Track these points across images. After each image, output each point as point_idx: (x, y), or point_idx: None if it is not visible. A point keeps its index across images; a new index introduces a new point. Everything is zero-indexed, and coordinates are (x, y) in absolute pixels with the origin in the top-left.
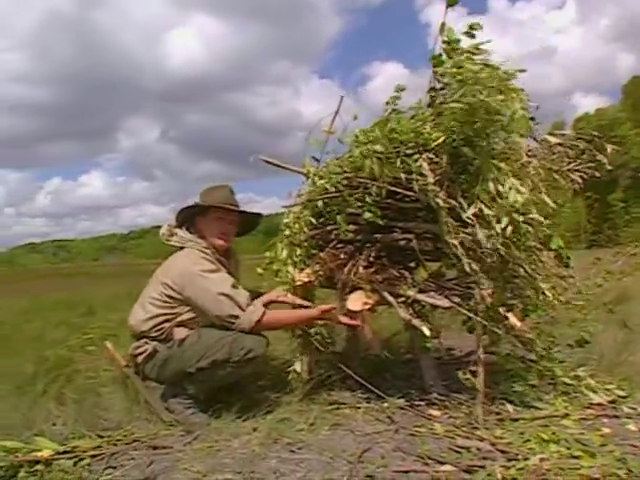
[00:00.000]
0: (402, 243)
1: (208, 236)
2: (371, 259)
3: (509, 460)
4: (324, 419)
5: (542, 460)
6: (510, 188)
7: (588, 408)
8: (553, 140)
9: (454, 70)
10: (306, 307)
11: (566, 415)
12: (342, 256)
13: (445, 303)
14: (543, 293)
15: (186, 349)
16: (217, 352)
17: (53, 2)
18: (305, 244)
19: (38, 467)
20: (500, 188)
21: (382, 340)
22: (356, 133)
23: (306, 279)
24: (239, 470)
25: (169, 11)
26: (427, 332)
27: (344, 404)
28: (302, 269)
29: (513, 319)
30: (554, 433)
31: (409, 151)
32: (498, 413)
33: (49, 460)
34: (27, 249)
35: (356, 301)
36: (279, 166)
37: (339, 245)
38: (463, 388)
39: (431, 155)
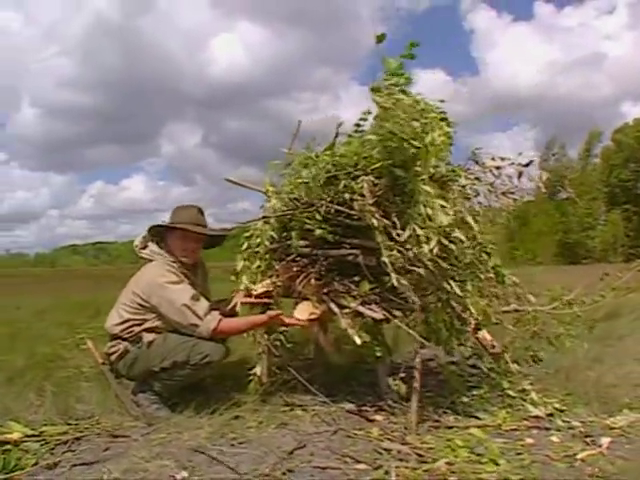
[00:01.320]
0: (350, 258)
1: (175, 252)
2: (322, 272)
3: (420, 462)
4: (274, 418)
5: (448, 464)
6: (440, 207)
7: (525, 420)
8: (492, 164)
9: (380, 100)
10: (263, 312)
11: (499, 425)
12: (295, 269)
13: (378, 315)
14: (468, 309)
15: (152, 350)
16: (178, 354)
17: (100, 9)
18: (266, 257)
19: (7, 447)
20: (429, 211)
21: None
22: (299, 157)
23: (264, 289)
24: (178, 459)
25: (214, 18)
26: (358, 341)
27: (298, 406)
28: (262, 280)
29: (483, 332)
30: (478, 441)
31: (357, 172)
32: (437, 421)
33: (17, 442)
34: (69, 250)
35: (303, 311)
36: (242, 185)
37: (297, 258)
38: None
39: (372, 177)
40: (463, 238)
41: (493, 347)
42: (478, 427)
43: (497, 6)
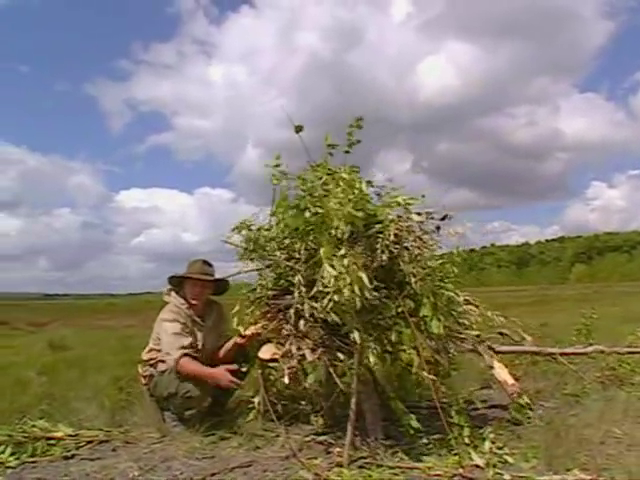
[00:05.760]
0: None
1: (187, 296)
2: (288, 318)
3: None
4: (252, 442)
5: None
6: (328, 266)
7: (462, 467)
8: (416, 218)
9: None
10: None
11: (426, 469)
12: (269, 315)
13: (310, 357)
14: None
15: (162, 379)
16: (172, 387)
17: (313, 49)
18: (259, 302)
19: (52, 441)
20: (324, 271)
21: None
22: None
23: (251, 332)
24: (146, 463)
25: (420, 42)
26: (286, 380)
27: (279, 434)
28: (255, 322)
29: (506, 376)
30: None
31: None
32: (381, 459)
33: (59, 438)
34: None
35: (266, 352)
36: (231, 244)
37: (274, 305)
38: (403, 435)
39: (308, 240)
40: (347, 294)
41: (512, 388)
42: (403, 467)
43: None
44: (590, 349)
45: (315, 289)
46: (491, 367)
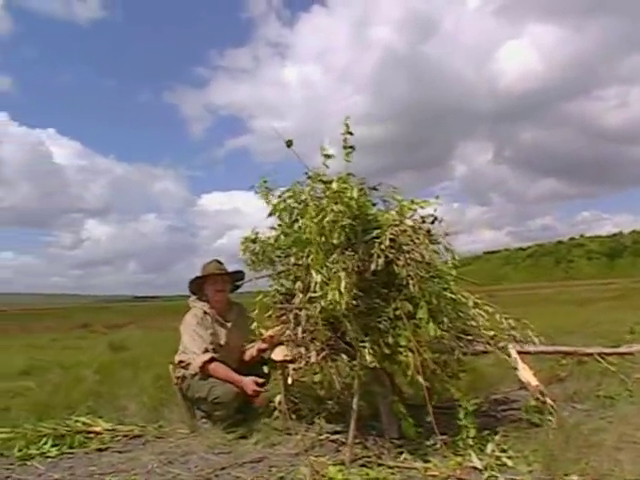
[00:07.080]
0: None
1: (209, 297)
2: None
3: None
4: (268, 440)
5: None
6: (316, 282)
7: (459, 470)
8: (408, 223)
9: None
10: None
11: (423, 470)
12: (282, 318)
13: (314, 358)
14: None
15: (194, 382)
16: (202, 392)
17: (387, 43)
18: (275, 306)
19: (91, 435)
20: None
21: None
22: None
23: (270, 334)
24: (167, 456)
25: (498, 27)
26: (290, 381)
27: (298, 432)
28: (273, 326)
29: (530, 377)
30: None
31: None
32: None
33: (97, 432)
34: None
35: (278, 353)
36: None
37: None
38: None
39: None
40: (330, 298)
41: (536, 390)
42: (401, 467)
43: None
44: (634, 349)
45: (308, 295)
46: (515, 368)
